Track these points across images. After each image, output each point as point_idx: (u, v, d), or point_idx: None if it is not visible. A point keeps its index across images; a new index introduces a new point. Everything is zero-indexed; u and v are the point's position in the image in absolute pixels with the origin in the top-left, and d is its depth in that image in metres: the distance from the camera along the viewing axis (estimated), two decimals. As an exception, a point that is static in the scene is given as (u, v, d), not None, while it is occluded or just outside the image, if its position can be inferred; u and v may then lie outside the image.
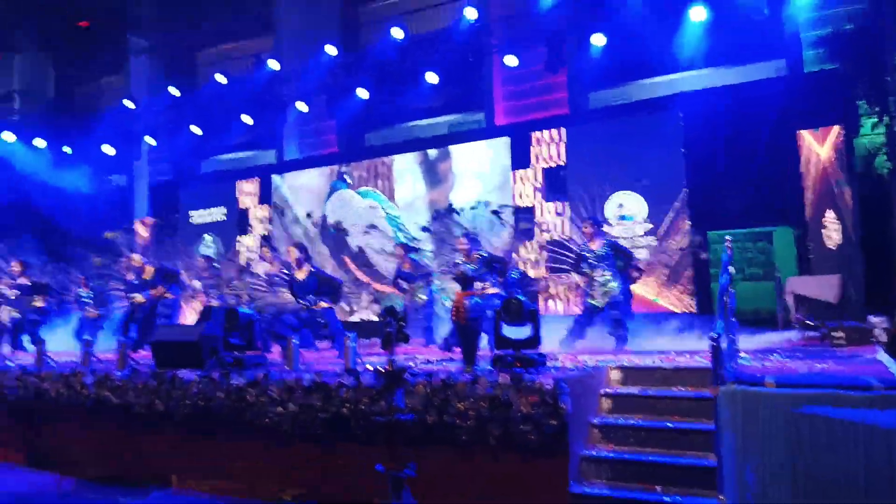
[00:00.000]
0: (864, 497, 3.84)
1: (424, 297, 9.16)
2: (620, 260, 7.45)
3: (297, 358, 6.19)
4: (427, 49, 10.87)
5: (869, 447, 3.87)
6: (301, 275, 8.11)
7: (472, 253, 7.75)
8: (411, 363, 6.16)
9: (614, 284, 7.32)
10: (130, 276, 10.11)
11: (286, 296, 8.90)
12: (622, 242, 8.44)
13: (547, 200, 10.45)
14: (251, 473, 5.89)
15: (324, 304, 7.93)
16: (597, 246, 7.54)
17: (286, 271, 8.62)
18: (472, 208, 9.91)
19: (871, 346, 6.43)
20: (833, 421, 3.98)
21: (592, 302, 7.46)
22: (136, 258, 9.89)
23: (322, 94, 11.90)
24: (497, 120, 11.87)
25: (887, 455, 3.83)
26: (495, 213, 9.84)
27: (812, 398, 4.05)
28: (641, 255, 9.05)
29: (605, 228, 8.96)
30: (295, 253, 8.19)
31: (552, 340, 7.30)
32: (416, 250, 9.78)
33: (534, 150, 10.73)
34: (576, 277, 8.34)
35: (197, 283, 10.86)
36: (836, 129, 8.95)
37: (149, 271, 9.74)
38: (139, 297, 9.82)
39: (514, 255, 10.01)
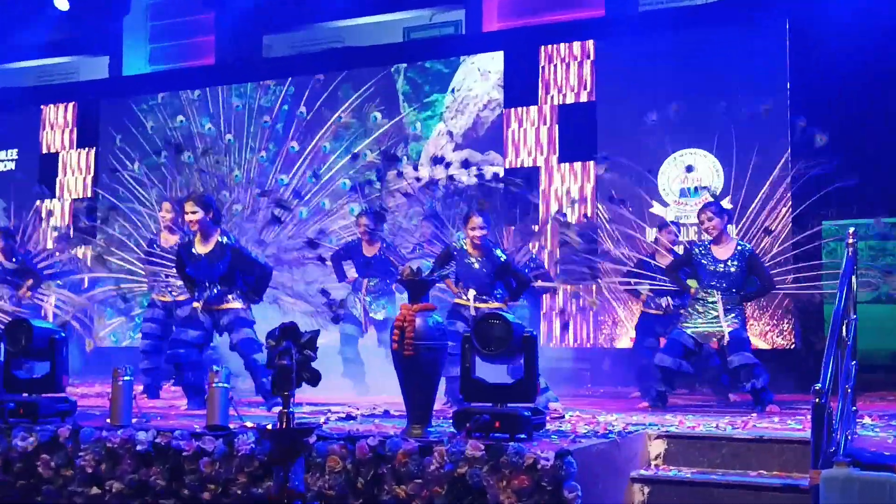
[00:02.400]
0: None
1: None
2: (754, 284, 5.22)
3: (128, 404, 4.23)
4: None
5: None
6: (203, 247, 5.16)
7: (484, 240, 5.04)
8: (322, 418, 4.64)
9: (727, 322, 5.06)
10: None
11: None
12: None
13: (562, 161, 7.67)
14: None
15: (235, 304, 5.19)
16: (724, 251, 5.08)
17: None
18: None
19: None
20: None
21: (692, 331, 5.08)
22: None
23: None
24: (486, 24, 8.70)
25: None
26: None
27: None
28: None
29: (660, 209, 6.82)
30: (196, 210, 5.06)
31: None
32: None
33: (544, 76, 7.85)
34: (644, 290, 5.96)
35: None
36: None
37: None
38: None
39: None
